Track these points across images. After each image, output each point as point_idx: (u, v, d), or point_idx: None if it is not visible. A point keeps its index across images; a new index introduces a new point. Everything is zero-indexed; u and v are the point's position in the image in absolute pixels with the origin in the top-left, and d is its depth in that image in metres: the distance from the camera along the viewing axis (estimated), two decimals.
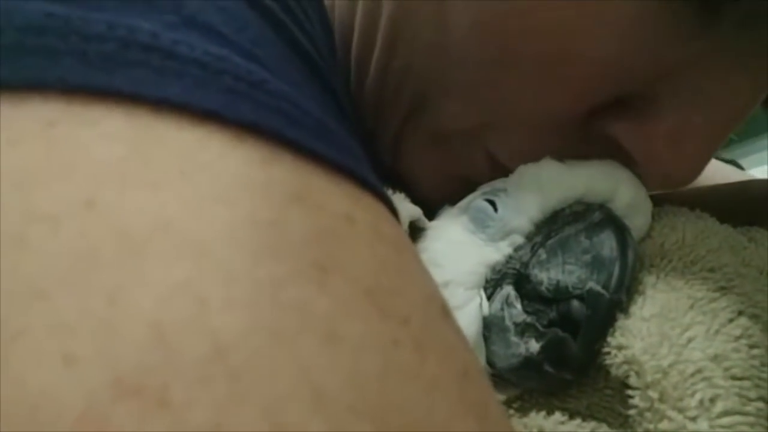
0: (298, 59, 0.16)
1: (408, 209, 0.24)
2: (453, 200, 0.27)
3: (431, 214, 0.26)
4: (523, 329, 0.22)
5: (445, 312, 0.13)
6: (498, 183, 0.25)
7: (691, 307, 0.19)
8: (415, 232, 0.25)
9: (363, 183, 0.14)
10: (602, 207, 0.23)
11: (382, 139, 0.28)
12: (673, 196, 0.26)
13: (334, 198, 0.13)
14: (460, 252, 0.24)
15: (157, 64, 0.12)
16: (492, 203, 0.25)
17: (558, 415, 0.21)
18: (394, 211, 0.15)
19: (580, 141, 0.24)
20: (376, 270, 0.12)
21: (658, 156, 0.23)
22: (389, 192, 0.24)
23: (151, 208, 0.11)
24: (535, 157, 0.25)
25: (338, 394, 0.10)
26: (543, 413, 0.22)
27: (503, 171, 0.26)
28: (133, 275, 0.10)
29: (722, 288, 0.19)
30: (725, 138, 0.24)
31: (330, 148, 0.13)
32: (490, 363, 0.23)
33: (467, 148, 0.26)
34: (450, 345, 0.13)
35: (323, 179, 0.13)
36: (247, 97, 0.12)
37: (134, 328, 0.10)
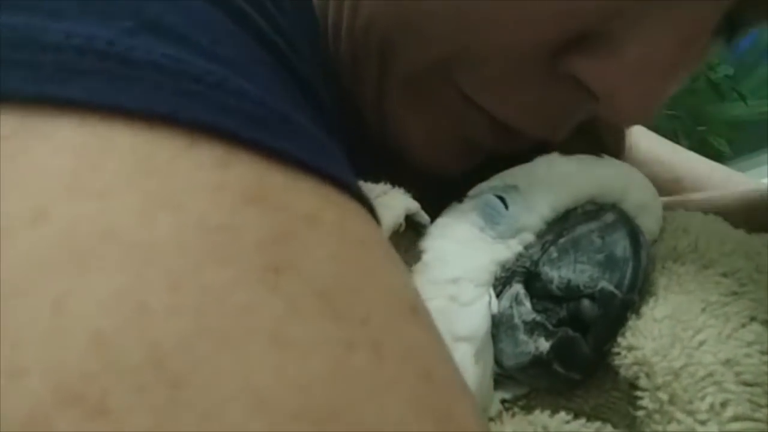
0: (265, 53, 0.16)
1: (404, 203, 0.23)
2: (454, 165, 0.26)
3: (431, 206, 0.26)
4: (532, 327, 0.21)
5: (413, 311, 0.13)
6: (508, 179, 0.25)
7: (703, 310, 0.19)
8: (416, 227, 0.25)
9: (332, 181, 0.14)
10: (615, 207, 0.23)
11: (365, 102, 0.29)
12: (687, 203, 0.26)
13: (296, 198, 0.13)
14: (469, 249, 0.24)
15: (112, 71, 0.12)
16: (502, 200, 0.25)
17: (563, 414, 0.21)
18: (370, 207, 0.15)
19: (547, 80, 0.25)
20: (335, 270, 0.12)
21: (618, 91, 0.23)
22: (386, 185, 0.24)
23: (97, 217, 0.11)
24: (503, 92, 0.25)
25: (281, 399, 0.10)
26: (548, 412, 0.22)
27: (484, 116, 0.26)
28: (78, 284, 0.10)
29: (735, 293, 0.19)
30: (679, 70, 0.24)
31: (296, 146, 0.13)
32: (497, 361, 0.23)
33: (440, 87, 0.26)
34: (413, 346, 0.13)
35: (286, 178, 0.13)
36: (204, 98, 0.12)
37: (77, 336, 0.10)
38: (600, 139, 0.33)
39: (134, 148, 0.12)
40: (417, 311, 0.13)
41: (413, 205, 0.24)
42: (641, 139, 0.46)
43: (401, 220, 0.23)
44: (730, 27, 0.25)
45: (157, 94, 0.12)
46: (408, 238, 0.25)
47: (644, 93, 0.24)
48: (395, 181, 0.24)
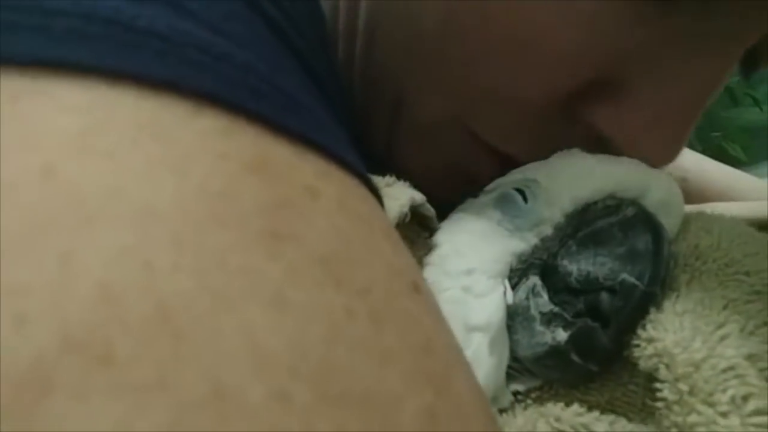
0: (273, 37, 0.16)
1: (409, 194, 0.23)
2: (447, 193, 0.26)
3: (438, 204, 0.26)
4: (549, 318, 0.21)
5: (415, 288, 0.13)
6: (529, 173, 0.25)
7: (725, 307, 0.19)
8: (422, 219, 0.25)
9: (334, 157, 0.14)
10: (635, 202, 0.23)
11: (374, 134, 0.29)
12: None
13: (297, 170, 0.13)
14: (485, 241, 0.24)
15: (118, 37, 0.12)
16: (521, 193, 0.25)
17: (576, 407, 0.21)
18: (373, 188, 0.15)
19: (562, 124, 0.25)
20: (336, 241, 0.12)
21: (638, 141, 0.23)
22: (391, 178, 0.24)
23: (104, 176, 0.11)
24: (519, 138, 0.25)
25: (280, 356, 0.10)
26: (561, 404, 0.22)
27: (491, 153, 0.26)
28: (84, 239, 0.10)
29: (758, 292, 0.19)
30: (698, 116, 0.24)
31: (298, 121, 0.13)
32: (512, 352, 0.23)
33: (452, 131, 0.27)
34: (414, 319, 0.13)
35: (287, 151, 0.13)
36: (209, 69, 0.13)
37: (82, 289, 0.10)
38: None
39: (139, 112, 0.12)
40: (419, 289, 0.14)
41: (418, 197, 0.24)
42: None
43: (406, 210, 0.23)
44: (748, 64, 0.25)
45: (161, 61, 0.12)
46: (414, 231, 0.25)
47: (665, 137, 0.24)
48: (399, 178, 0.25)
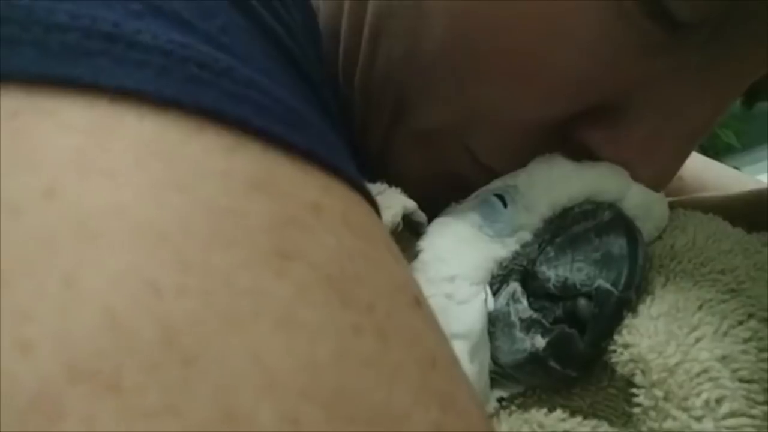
0: (272, 48, 0.16)
1: (401, 202, 0.23)
2: (439, 199, 0.27)
3: (426, 208, 0.26)
4: (529, 325, 0.21)
5: (416, 302, 0.13)
6: (509, 179, 0.25)
7: (700, 307, 0.19)
8: (413, 226, 0.25)
9: (336, 172, 0.14)
10: (612, 206, 0.23)
11: (371, 137, 0.29)
12: (686, 202, 0.26)
13: (301, 186, 0.13)
14: (467, 248, 0.24)
15: (119, 53, 0.12)
16: (502, 199, 0.25)
17: (559, 412, 0.21)
18: (372, 201, 0.15)
19: (556, 145, 0.25)
20: (341, 258, 0.12)
21: (632, 166, 0.23)
22: (383, 185, 0.24)
23: (108, 195, 0.11)
24: (511, 157, 0.25)
25: (290, 379, 0.10)
26: (544, 410, 0.22)
27: (481, 167, 0.26)
28: (88, 261, 0.10)
29: (732, 290, 0.19)
30: (694, 145, 0.25)
31: (301, 136, 0.13)
32: (494, 359, 0.23)
33: (448, 143, 0.27)
34: (417, 334, 0.13)
35: (291, 167, 0.13)
36: (211, 85, 0.13)
37: (88, 313, 0.10)
38: None
39: (141, 130, 0.12)
40: (420, 303, 0.14)
41: (410, 204, 0.24)
42: None
43: (399, 219, 0.22)
44: (749, 96, 0.26)
45: (163, 78, 0.12)
46: (405, 238, 0.25)
47: (659, 165, 0.24)
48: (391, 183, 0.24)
